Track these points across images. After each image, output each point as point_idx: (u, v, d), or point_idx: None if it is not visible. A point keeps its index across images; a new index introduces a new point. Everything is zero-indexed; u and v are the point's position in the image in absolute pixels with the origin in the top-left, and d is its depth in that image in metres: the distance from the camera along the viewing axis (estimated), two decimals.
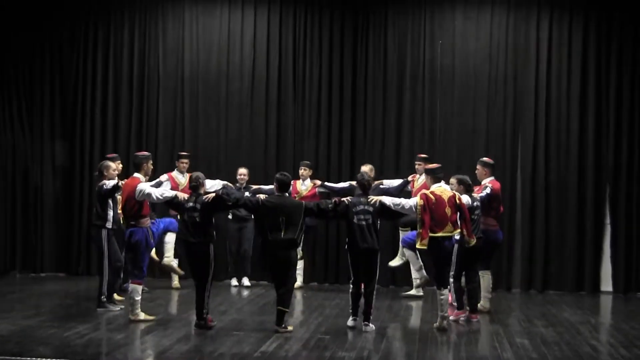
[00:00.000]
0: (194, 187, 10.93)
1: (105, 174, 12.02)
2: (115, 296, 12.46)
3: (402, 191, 13.89)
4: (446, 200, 10.88)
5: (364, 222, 10.73)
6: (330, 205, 10.90)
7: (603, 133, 15.35)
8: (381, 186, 14.07)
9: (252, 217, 12.15)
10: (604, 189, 15.36)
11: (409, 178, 14.10)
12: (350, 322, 10.97)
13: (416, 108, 15.73)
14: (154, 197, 11.17)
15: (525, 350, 9.83)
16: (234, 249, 14.91)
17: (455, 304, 11.64)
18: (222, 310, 12.28)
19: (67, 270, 16.14)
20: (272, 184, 11.44)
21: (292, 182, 14.43)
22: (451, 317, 11.52)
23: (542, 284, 15.29)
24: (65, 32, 16.35)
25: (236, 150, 15.99)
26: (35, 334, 10.21)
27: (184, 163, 14.48)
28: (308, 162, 15.11)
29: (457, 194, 11.14)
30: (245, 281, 14.99)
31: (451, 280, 11.48)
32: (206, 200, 10.74)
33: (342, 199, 11.01)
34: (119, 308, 11.97)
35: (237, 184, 14.75)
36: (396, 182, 14.18)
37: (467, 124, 15.60)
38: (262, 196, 10.92)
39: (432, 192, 10.94)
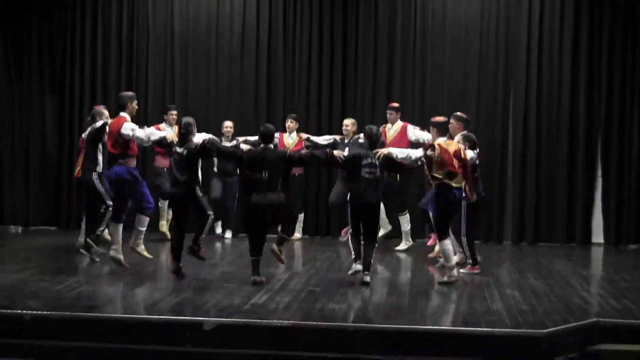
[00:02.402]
0: (184, 134, 10.89)
1: (98, 120, 11.86)
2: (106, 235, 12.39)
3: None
4: (452, 153, 10.80)
5: (371, 176, 10.62)
6: (321, 155, 10.84)
7: (595, 84, 15.28)
8: (360, 140, 13.96)
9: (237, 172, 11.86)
10: (596, 141, 15.33)
11: (380, 128, 13.99)
12: (356, 267, 10.66)
13: (407, 67, 15.64)
14: (143, 137, 11.30)
15: (515, 302, 9.83)
16: (213, 195, 14.71)
17: (469, 261, 11.65)
18: (213, 263, 12.28)
19: (57, 224, 16.11)
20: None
21: (279, 135, 14.49)
22: (463, 270, 11.51)
23: (533, 236, 15.31)
24: None
25: (226, 104, 15.89)
26: (25, 287, 10.18)
27: (173, 115, 14.37)
28: (295, 114, 15.03)
29: (462, 147, 11.03)
30: (228, 234, 15.09)
31: (464, 238, 11.52)
32: (194, 147, 10.75)
33: (335, 154, 10.79)
34: (98, 260, 11.81)
35: (223, 137, 14.65)
36: None
37: (458, 82, 15.53)
38: (244, 147, 10.84)
39: (439, 145, 10.86)
